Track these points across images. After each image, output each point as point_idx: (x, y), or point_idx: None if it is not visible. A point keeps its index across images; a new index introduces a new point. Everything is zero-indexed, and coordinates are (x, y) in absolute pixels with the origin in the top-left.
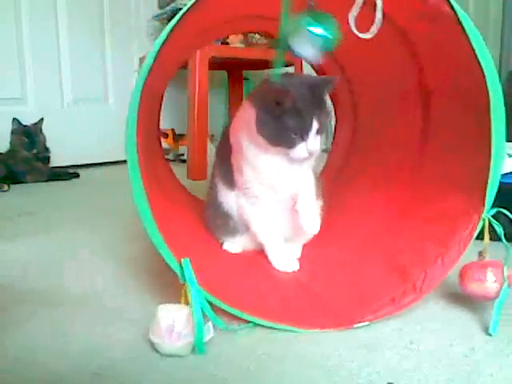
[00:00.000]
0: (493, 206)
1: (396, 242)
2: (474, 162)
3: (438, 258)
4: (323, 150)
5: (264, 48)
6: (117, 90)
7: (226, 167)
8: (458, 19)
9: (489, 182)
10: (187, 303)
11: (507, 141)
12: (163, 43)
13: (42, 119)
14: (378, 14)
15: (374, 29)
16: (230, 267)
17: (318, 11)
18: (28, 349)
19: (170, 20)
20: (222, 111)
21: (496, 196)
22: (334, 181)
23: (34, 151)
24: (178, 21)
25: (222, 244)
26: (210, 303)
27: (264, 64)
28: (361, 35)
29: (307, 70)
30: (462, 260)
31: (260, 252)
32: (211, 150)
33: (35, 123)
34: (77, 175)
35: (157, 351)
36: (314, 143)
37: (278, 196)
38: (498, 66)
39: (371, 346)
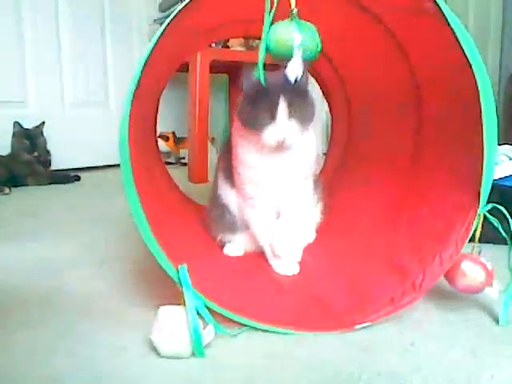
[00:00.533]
0: (494, 209)
1: (394, 240)
2: (468, 159)
3: (435, 255)
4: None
5: None
6: (118, 94)
7: (227, 165)
8: (442, 14)
9: (483, 177)
10: None
11: (508, 143)
12: (152, 50)
13: (43, 122)
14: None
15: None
16: (229, 271)
17: (301, 21)
18: (30, 351)
19: None
20: (222, 114)
21: (497, 199)
22: (331, 181)
23: (35, 154)
24: (166, 28)
25: (222, 247)
26: (209, 308)
27: (264, 67)
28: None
29: None
30: None
31: (260, 254)
32: (212, 152)
33: (36, 126)
34: (78, 178)
35: (157, 353)
36: (284, 126)
37: (271, 198)
38: (498, 69)
39: (371, 348)
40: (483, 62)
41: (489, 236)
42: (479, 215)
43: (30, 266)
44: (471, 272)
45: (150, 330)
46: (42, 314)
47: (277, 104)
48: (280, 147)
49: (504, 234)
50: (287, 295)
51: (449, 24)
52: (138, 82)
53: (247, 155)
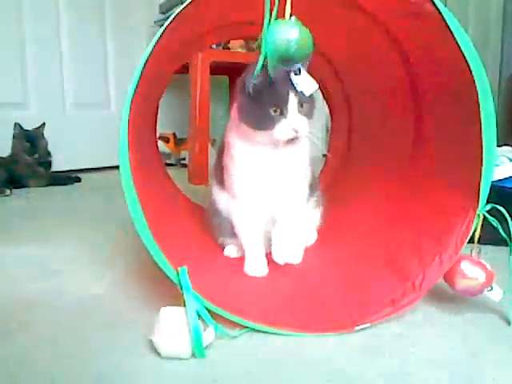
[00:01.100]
0: (493, 210)
1: (394, 242)
2: (467, 160)
3: (435, 255)
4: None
5: None
6: (118, 96)
7: (220, 168)
8: (442, 17)
9: (482, 177)
10: None
11: (508, 144)
12: (152, 52)
13: (44, 124)
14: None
15: None
16: (229, 272)
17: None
18: (29, 353)
19: None
20: (223, 116)
21: (497, 200)
22: (331, 183)
23: (36, 156)
24: (165, 29)
25: (223, 248)
26: (209, 309)
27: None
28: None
29: None
30: None
31: None
32: (212, 154)
33: (37, 128)
34: (78, 180)
35: (158, 354)
36: (296, 120)
37: (263, 201)
38: (498, 69)
39: (372, 350)
40: (483, 62)
41: (488, 237)
42: (479, 216)
43: (30, 266)
44: (470, 273)
45: (150, 331)
46: (42, 315)
47: (287, 100)
48: (292, 142)
49: (504, 235)
50: (288, 297)
51: (448, 26)
52: (138, 83)
53: (242, 156)
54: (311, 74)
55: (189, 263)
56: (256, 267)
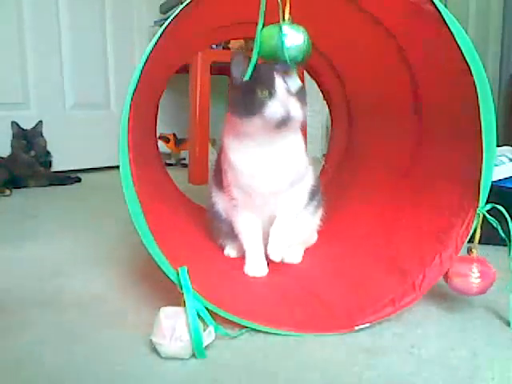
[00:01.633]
0: (493, 210)
1: (394, 241)
2: (467, 160)
3: (435, 255)
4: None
5: None
6: (119, 96)
7: (218, 170)
8: (442, 17)
9: (482, 177)
10: None
11: (508, 144)
12: (151, 52)
13: (41, 121)
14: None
15: None
16: (229, 272)
17: (293, 24)
18: (30, 351)
19: None
20: (223, 116)
21: (497, 200)
22: (330, 183)
23: (32, 153)
24: (165, 29)
25: (223, 249)
26: (210, 309)
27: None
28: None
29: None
30: None
31: None
32: (212, 154)
33: (34, 126)
34: (78, 180)
35: (158, 353)
36: (285, 98)
37: (261, 201)
38: (498, 70)
39: (372, 350)
40: (483, 62)
41: (488, 237)
42: (478, 215)
43: (30, 266)
44: (462, 270)
45: (150, 331)
46: (41, 315)
47: (273, 81)
48: (285, 124)
49: (503, 234)
50: (288, 297)
51: (448, 26)
52: (138, 83)
53: (237, 156)
54: (309, 73)
55: (189, 263)
56: (256, 267)
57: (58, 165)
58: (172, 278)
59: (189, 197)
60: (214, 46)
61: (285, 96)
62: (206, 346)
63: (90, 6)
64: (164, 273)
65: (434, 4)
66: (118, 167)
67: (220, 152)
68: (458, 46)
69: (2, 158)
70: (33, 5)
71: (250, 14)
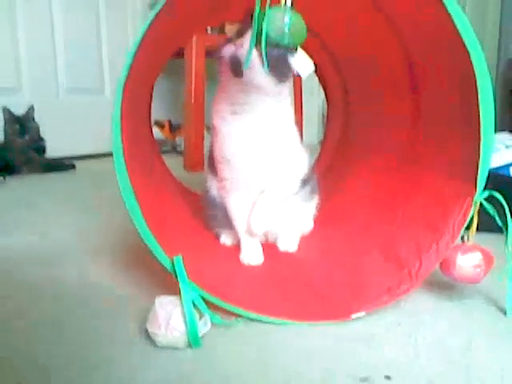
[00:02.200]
0: (490, 198)
1: (390, 229)
2: (464, 147)
3: (432, 243)
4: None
5: None
6: (113, 81)
7: (212, 155)
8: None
9: (480, 164)
10: None
11: (505, 130)
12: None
13: (33, 106)
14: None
15: None
16: (225, 261)
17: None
18: (23, 340)
19: None
20: None
21: (494, 187)
22: (326, 172)
23: (27, 138)
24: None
25: (218, 236)
26: (205, 298)
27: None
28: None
29: None
30: None
31: None
32: (208, 141)
33: (26, 111)
34: (73, 166)
35: (153, 343)
36: (242, 46)
37: (251, 179)
38: (496, 54)
39: (368, 339)
40: (481, 46)
41: (485, 225)
42: (475, 203)
43: (24, 254)
44: (467, 262)
45: (145, 321)
46: (38, 304)
47: (246, 32)
48: (234, 67)
49: (500, 222)
50: (284, 285)
51: (447, 10)
52: (130, 68)
53: (220, 122)
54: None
55: (184, 251)
56: (251, 255)
57: (52, 151)
58: (167, 266)
59: (184, 184)
60: (209, 31)
61: (244, 44)
62: (202, 336)
63: None
64: (159, 262)
65: None
66: (112, 154)
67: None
68: (458, 30)
69: None
70: None
71: None
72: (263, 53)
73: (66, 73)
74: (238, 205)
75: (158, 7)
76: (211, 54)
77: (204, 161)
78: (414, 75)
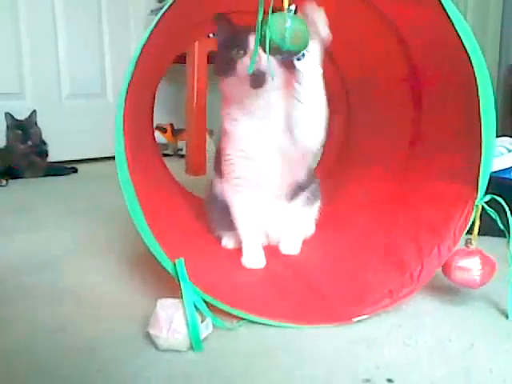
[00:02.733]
0: (492, 202)
1: (392, 233)
2: (466, 151)
3: (433, 247)
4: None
5: None
6: (115, 85)
7: (218, 158)
8: (441, 4)
9: (481, 168)
10: None
11: (507, 135)
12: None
13: (35, 111)
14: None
15: None
16: (226, 264)
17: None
18: (27, 344)
19: None
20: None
21: (496, 191)
22: (328, 174)
23: (29, 143)
24: (161, 17)
25: (220, 240)
26: (207, 301)
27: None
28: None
29: None
30: None
31: None
32: (210, 145)
33: (28, 116)
34: (75, 170)
35: (155, 346)
36: (255, 54)
37: (262, 179)
38: (497, 60)
39: (370, 341)
40: (482, 52)
41: (486, 229)
42: (477, 207)
43: (25, 257)
44: (464, 264)
45: (147, 323)
46: (38, 306)
47: (247, 40)
48: (257, 81)
49: (502, 226)
50: (285, 288)
51: (448, 16)
52: (133, 72)
53: (232, 124)
54: None
55: (186, 254)
56: (253, 259)
57: (55, 155)
58: (169, 269)
59: (186, 187)
60: (211, 36)
61: (257, 53)
62: (204, 338)
63: None
64: (161, 264)
65: None
66: (114, 158)
67: (221, 136)
68: (459, 35)
69: None
70: None
71: (248, 3)
72: (267, 57)
73: (68, 77)
74: (243, 207)
75: (161, 12)
76: (216, 70)
77: (206, 165)
78: (416, 81)
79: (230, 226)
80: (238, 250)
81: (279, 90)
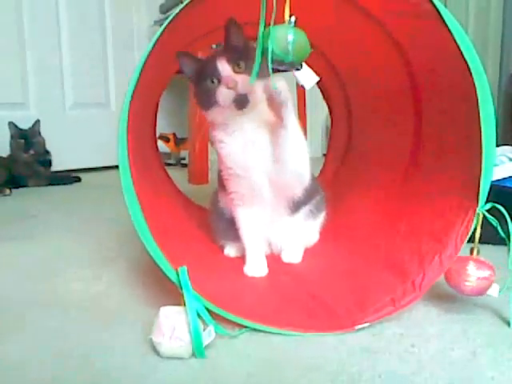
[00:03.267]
0: (493, 210)
1: (393, 240)
2: (467, 159)
3: (435, 255)
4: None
5: None
6: (118, 95)
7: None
8: (440, 16)
9: (482, 176)
10: None
11: (508, 144)
12: (151, 51)
13: (38, 121)
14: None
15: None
16: (229, 272)
17: (297, 28)
18: (29, 351)
19: None
20: None
21: (497, 200)
22: (330, 184)
23: (31, 152)
24: (165, 28)
25: (223, 248)
26: (209, 309)
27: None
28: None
29: None
30: None
31: None
32: (212, 154)
33: (32, 126)
34: (78, 179)
35: (157, 353)
36: (230, 79)
37: (256, 195)
38: (498, 70)
39: (372, 349)
40: (483, 62)
41: (487, 237)
42: (478, 215)
43: (29, 266)
44: (478, 274)
45: (150, 331)
46: (41, 314)
47: (217, 67)
48: (241, 103)
49: (503, 234)
50: (287, 296)
51: (448, 28)
52: (137, 82)
53: (223, 145)
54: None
55: (189, 263)
56: (256, 267)
57: (58, 164)
58: (172, 277)
59: (189, 197)
60: (213, 46)
61: (229, 75)
62: (206, 346)
63: (89, 5)
64: (164, 272)
65: (433, 4)
66: (117, 167)
67: None
68: (458, 46)
69: (1, 157)
70: (32, 4)
71: (250, 15)
72: (270, 69)
73: (72, 87)
74: (246, 219)
75: (165, 24)
76: (200, 106)
77: (208, 174)
78: (416, 91)
79: (235, 236)
80: (241, 259)
81: (261, 103)
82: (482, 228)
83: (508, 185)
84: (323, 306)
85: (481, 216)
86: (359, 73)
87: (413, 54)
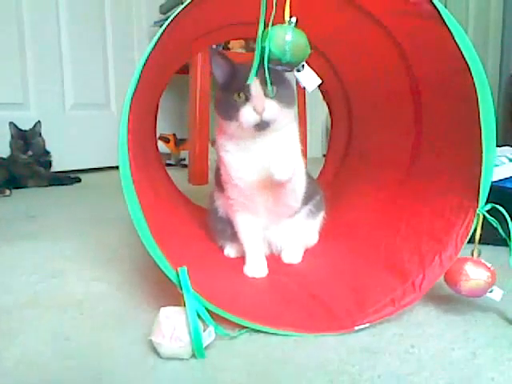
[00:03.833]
0: (493, 210)
1: (394, 241)
2: (467, 159)
3: (435, 255)
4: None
5: None
6: (118, 96)
7: (218, 172)
8: (440, 16)
9: (482, 176)
10: None
11: (508, 144)
12: (151, 52)
13: (39, 122)
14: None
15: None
16: (229, 273)
17: (296, 29)
18: (30, 353)
19: None
20: None
21: (497, 201)
22: (330, 184)
23: (30, 153)
24: (165, 29)
25: (223, 249)
26: (209, 310)
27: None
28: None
29: None
30: None
31: None
32: (212, 155)
33: (32, 127)
34: (78, 180)
35: (158, 354)
36: (260, 102)
37: (253, 202)
38: (498, 70)
39: (372, 350)
40: (483, 62)
41: (487, 238)
42: (478, 215)
43: (30, 266)
44: (475, 275)
45: (150, 331)
46: (42, 315)
47: (249, 84)
48: (260, 127)
49: (503, 234)
50: (287, 297)
51: (448, 27)
52: (138, 83)
53: (228, 154)
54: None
55: (188, 263)
56: (256, 268)
57: (58, 165)
58: (172, 277)
59: (189, 197)
60: (214, 47)
61: (259, 98)
62: (206, 346)
63: (89, 6)
64: (164, 273)
65: (433, 4)
66: (117, 167)
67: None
68: (458, 46)
69: (1, 158)
70: (32, 5)
71: (250, 15)
72: (266, 72)
73: (72, 88)
74: (245, 222)
75: (165, 24)
76: (218, 111)
77: (208, 174)
78: (417, 92)
79: (233, 237)
80: (241, 259)
81: (277, 130)
82: (482, 229)
83: (508, 185)
84: (323, 306)
85: (481, 217)
86: (359, 73)
87: (413, 53)
